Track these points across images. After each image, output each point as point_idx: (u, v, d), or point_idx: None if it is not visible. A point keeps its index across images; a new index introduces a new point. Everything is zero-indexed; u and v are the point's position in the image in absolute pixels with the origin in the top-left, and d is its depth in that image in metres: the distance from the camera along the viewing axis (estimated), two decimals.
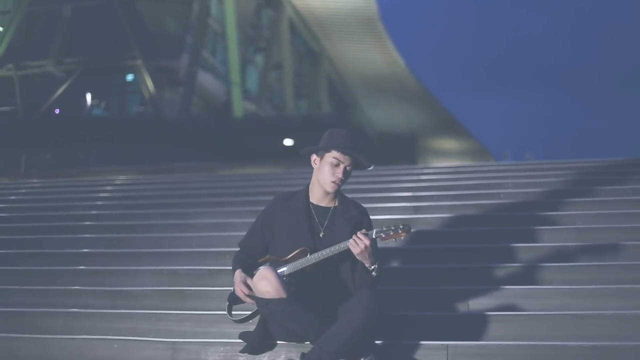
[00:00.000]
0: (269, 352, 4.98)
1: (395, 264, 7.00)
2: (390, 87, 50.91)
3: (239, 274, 4.92)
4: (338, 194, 5.06)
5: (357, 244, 4.58)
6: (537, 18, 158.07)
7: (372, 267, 4.70)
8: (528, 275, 6.37)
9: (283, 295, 4.57)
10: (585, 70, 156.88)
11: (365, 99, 55.64)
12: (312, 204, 5.05)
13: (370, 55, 48.19)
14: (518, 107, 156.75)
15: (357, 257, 4.63)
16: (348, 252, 4.66)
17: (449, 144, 57.80)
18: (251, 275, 4.81)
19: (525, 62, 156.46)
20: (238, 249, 5.28)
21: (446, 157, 56.60)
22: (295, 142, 31.80)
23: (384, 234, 4.60)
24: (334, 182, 4.92)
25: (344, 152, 4.89)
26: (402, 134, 54.30)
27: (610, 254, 6.71)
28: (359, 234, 4.60)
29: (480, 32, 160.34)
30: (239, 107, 38.96)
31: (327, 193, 5.01)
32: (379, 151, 47.48)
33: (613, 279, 6.14)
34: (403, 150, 53.21)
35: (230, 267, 5.16)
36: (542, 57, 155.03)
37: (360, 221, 4.93)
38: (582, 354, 4.81)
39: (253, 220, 5.33)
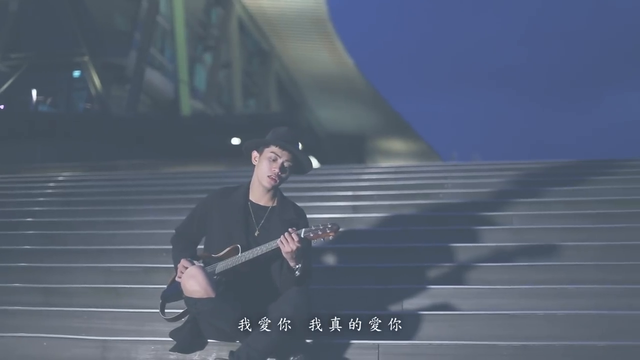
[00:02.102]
0: (200, 351, 4.95)
1: (331, 262, 6.99)
2: (339, 87, 51.04)
3: (184, 259, 4.84)
4: (277, 193, 5.02)
5: (284, 243, 4.54)
6: (485, 20, 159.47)
7: (297, 267, 4.64)
8: (463, 275, 6.40)
9: (211, 294, 4.55)
10: (534, 72, 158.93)
11: (314, 99, 55.73)
12: (251, 201, 5.00)
13: (320, 55, 48.28)
14: (467, 108, 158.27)
15: (285, 255, 4.59)
16: (279, 250, 4.62)
17: (397, 145, 58.07)
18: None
19: (476, 63, 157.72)
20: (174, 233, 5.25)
21: (395, 158, 56.84)
22: (242, 142, 31.63)
23: (312, 233, 4.57)
24: (270, 176, 4.85)
25: (281, 147, 4.84)
26: (351, 135, 54.52)
27: (546, 254, 6.74)
28: (287, 233, 4.57)
29: (430, 34, 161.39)
30: (187, 105, 38.88)
31: (266, 190, 4.95)
32: (328, 151, 47.63)
33: (546, 279, 6.19)
34: (352, 150, 53.48)
35: (167, 265, 5.13)
36: (492, 58, 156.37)
37: (296, 223, 4.85)
38: (514, 353, 4.86)
39: None
